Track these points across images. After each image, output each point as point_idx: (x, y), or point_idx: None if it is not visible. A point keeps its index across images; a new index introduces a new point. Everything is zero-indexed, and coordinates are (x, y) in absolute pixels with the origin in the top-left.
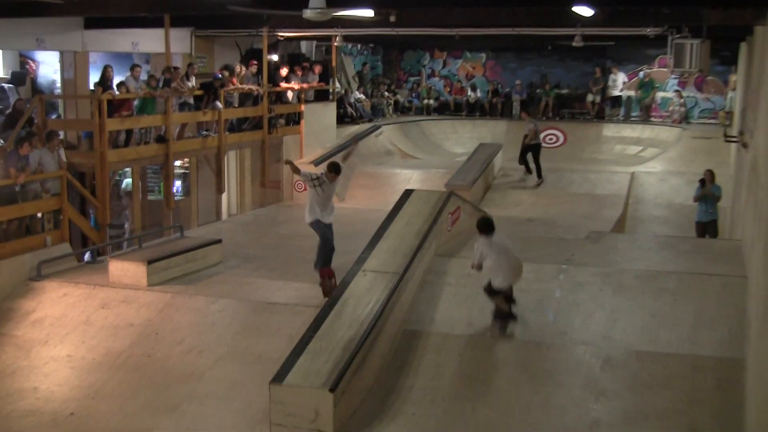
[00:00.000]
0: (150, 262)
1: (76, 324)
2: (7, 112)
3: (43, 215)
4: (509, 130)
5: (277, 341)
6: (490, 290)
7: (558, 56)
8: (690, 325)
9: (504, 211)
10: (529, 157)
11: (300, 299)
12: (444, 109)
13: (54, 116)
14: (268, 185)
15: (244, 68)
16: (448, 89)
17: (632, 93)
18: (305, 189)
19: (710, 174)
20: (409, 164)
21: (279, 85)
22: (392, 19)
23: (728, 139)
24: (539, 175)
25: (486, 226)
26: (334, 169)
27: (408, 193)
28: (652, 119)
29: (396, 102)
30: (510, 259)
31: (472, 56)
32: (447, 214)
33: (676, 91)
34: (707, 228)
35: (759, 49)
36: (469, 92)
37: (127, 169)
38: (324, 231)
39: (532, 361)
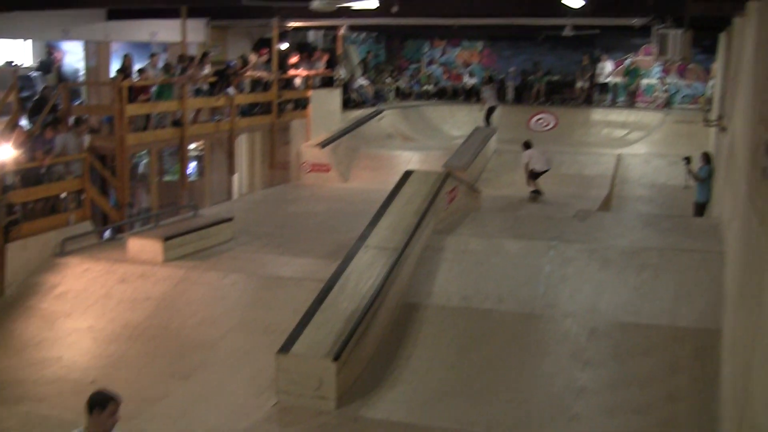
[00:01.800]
0: (166, 239)
1: (97, 297)
2: (35, 98)
3: (67, 195)
4: (503, 115)
5: (283, 313)
6: (533, 175)
7: (549, 45)
8: (670, 297)
9: (498, 190)
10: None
11: (305, 274)
12: (442, 95)
13: (78, 102)
14: (276, 166)
15: (255, 56)
16: (447, 76)
17: (619, 80)
18: (312, 170)
19: (705, 156)
20: (409, 146)
21: (288, 72)
22: (394, 10)
23: (708, 123)
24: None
25: (528, 144)
26: (93, 405)
27: (408, 174)
28: (637, 104)
29: (397, 88)
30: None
31: (469, 45)
32: (445, 193)
33: (660, 78)
34: (699, 208)
35: (737, 39)
36: (466, 78)
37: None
38: None
39: (523, 331)
